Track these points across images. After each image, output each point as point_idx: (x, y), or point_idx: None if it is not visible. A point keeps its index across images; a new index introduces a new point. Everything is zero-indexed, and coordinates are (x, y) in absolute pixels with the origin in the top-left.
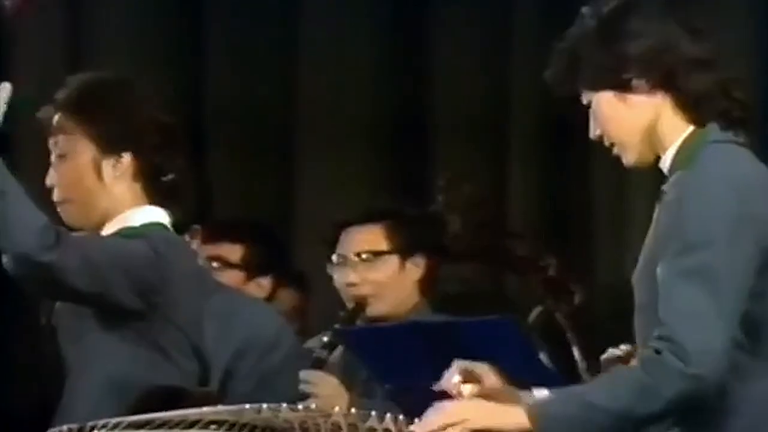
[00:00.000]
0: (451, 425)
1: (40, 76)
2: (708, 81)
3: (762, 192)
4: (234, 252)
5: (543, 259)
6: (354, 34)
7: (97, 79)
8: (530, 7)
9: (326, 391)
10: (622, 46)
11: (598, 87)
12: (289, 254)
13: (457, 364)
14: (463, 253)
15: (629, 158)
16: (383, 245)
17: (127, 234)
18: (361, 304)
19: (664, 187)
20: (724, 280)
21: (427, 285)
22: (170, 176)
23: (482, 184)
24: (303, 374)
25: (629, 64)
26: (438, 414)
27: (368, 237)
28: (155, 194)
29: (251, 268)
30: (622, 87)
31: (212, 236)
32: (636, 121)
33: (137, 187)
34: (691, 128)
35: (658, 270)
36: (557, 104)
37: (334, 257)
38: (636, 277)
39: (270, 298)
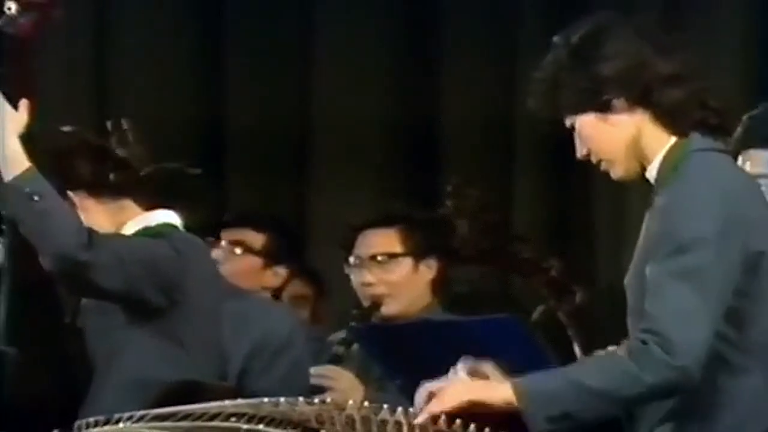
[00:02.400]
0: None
1: (66, 93)
2: (682, 94)
3: (745, 196)
4: (257, 239)
5: (546, 261)
6: (368, 45)
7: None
8: (536, 26)
9: (343, 385)
10: (598, 68)
11: (579, 110)
12: (304, 249)
13: (464, 363)
14: (470, 255)
15: (617, 172)
16: (398, 248)
17: (147, 234)
18: (376, 302)
19: (654, 196)
20: (711, 279)
21: (438, 286)
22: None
23: (488, 190)
24: (321, 369)
25: (607, 86)
26: (437, 403)
27: (384, 240)
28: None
29: (270, 257)
30: (603, 107)
31: (237, 222)
32: (619, 137)
33: (126, 201)
34: (673, 139)
35: (648, 269)
36: (561, 128)
37: (351, 259)
38: (628, 281)
39: (283, 288)
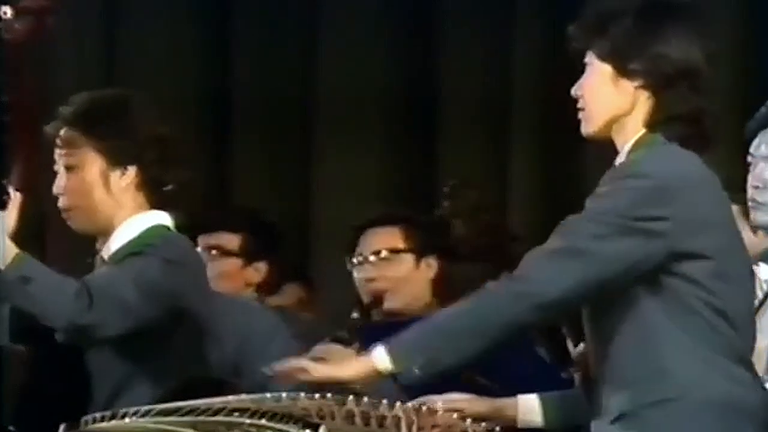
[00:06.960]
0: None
1: (78, 73)
2: (689, 105)
3: (703, 191)
4: (232, 241)
5: None
6: (369, 44)
7: (103, 97)
8: (533, 20)
9: (337, 358)
10: (646, 39)
11: (604, 58)
12: (281, 241)
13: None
14: (468, 254)
15: (587, 129)
16: (400, 244)
17: (134, 250)
18: (377, 299)
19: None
20: (600, 251)
21: (438, 284)
22: (170, 186)
23: (485, 189)
24: (319, 347)
25: (641, 58)
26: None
27: (386, 237)
28: (157, 202)
29: (248, 255)
30: (622, 71)
31: (212, 225)
32: (614, 103)
33: (140, 196)
34: (643, 130)
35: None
36: (558, 114)
37: (354, 258)
38: None
39: (267, 284)
